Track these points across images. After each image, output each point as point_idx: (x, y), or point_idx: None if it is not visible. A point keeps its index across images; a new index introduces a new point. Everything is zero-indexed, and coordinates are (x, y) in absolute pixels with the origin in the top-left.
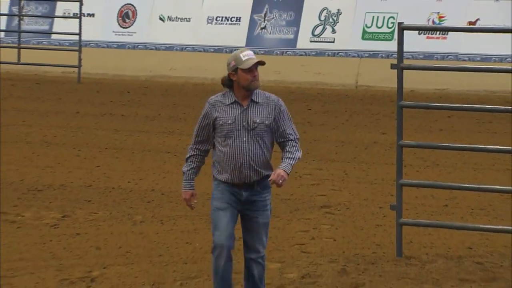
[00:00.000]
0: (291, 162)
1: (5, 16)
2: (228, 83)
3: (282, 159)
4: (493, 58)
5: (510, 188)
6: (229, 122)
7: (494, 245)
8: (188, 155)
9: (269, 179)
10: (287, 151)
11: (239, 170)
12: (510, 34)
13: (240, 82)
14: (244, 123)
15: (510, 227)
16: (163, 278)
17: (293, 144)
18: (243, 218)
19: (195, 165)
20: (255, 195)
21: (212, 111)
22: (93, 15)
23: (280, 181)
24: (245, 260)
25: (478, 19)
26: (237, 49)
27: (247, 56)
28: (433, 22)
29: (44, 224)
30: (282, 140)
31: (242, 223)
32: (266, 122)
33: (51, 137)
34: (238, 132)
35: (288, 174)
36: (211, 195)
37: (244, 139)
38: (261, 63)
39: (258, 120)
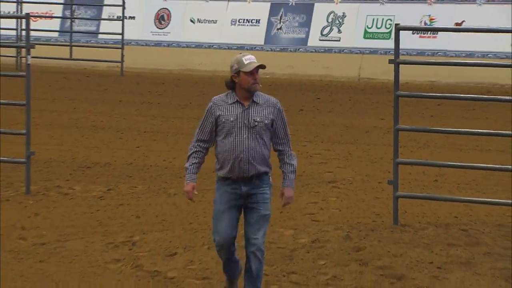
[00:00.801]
0: (293, 177)
1: (59, 19)
2: (230, 84)
3: (283, 172)
4: (476, 54)
5: (491, 165)
6: (231, 119)
7: (477, 214)
8: (190, 152)
9: (282, 202)
10: (286, 163)
11: (239, 164)
12: (492, 33)
13: (241, 84)
14: (245, 121)
15: (490, 199)
16: (193, 242)
17: (289, 150)
18: (245, 212)
19: (196, 161)
20: (254, 188)
21: (215, 109)
22: (133, 17)
23: (290, 201)
24: (246, 253)
25: (463, 21)
26: (255, 46)
27: (249, 60)
28: (425, 23)
29: (92, 196)
30: (277, 145)
31: (244, 216)
32: (266, 121)
33: (98, 122)
34: (239, 129)
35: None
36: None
37: (245, 136)
38: (262, 66)
39: (258, 119)
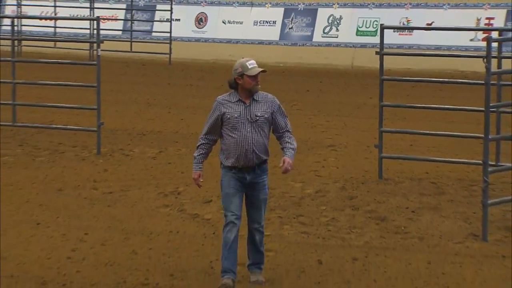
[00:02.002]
0: (293, 152)
1: (122, 21)
2: (234, 85)
3: (283, 149)
4: (443, 47)
5: (454, 133)
6: (236, 116)
7: (443, 171)
8: (199, 144)
9: (280, 165)
10: (287, 142)
11: (245, 155)
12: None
13: (245, 85)
14: (247, 117)
15: (453, 159)
16: None
17: (290, 136)
18: (247, 197)
19: (204, 151)
20: (256, 177)
21: (220, 107)
22: (179, 19)
23: (289, 168)
24: (249, 229)
25: (433, 22)
26: (272, 42)
27: (252, 64)
28: (403, 24)
29: (147, 157)
30: (279, 133)
31: (246, 201)
32: (265, 115)
33: (151, 100)
34: (243, 124)
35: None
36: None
37: (248, 129)
38: (264, 71)
39: (259, 114)
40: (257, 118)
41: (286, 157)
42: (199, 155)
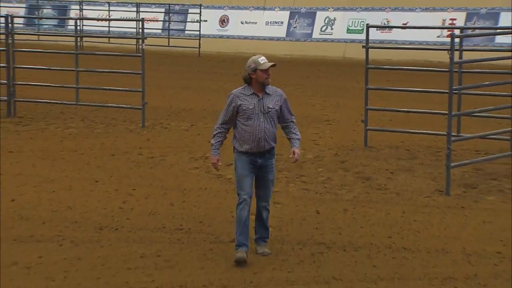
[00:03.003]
0: (299, 142)
1: (161, 22)
2: (248, 80)
3: (291, 139)
4: (416, 42)
5: (424, 110)
6: (251, 107)
7: (415, 140)
8: (215, 132)
9: (291, 157)
10: (293, 133)
11: (258, 142)
12: (425, 29)
13: (258, 79)
14: (261, 108)
15: (423, 131)
16: None
17: (294, 126)
18: (257, 178)
19: (220, 139)
20: (266, 161)
21: (236, 100)
22: (206, 20)
23: (298, 158)
24: (257, 207)
25: (408, 22)
26: (279, 38)
27: (263, 60)
28: (384, 23)
29: (181, 129)
30: (286, 123)
31: (256, 181)
32: (276, 107)
33: (184, 84)
34: (256, 115)
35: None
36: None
37: (261, 119)
38: (274, 65)
39: (271, 106)
40: (269, 109)
41: (295, 149)
42: (216, 142)
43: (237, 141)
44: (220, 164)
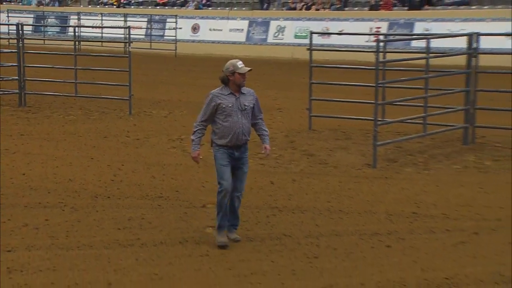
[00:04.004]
0: (268, 138)
1: (144, 28)
2: (226, 81)
3: (261, 136)
4: (349, 46)
5: (355, 100)
6: (230, 105)
7: (350, 124)
8: (196, 129)
9: (263, 152)
10: (263, 129)
11: (237, 136)
12: (356, 35)
13: (235, 81)
14: (238, 106)
15: (356, 117)
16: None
17: (263, 123)
18: (233, 170)
19: (200, 135)
20: (242, 153)
21: (216, 99)
22: (181, 28)
23: (269, 153)
24: (230, 196)
25: (343, 29)
26: (240, 42)
27: (242, 64)
28: (324, 30)
29: (161, 116)
30: (256, 120)
31: (233, 172)
32: (251, 105)
33: (163, 80)
34: (235, 112)
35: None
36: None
37: (239, 116)
38: (250, 70)
39: (247, 104)
40: (246, 107)
41: (267, 145)
42: (197, 138)
43: (216, 136)
44: (201, 157)
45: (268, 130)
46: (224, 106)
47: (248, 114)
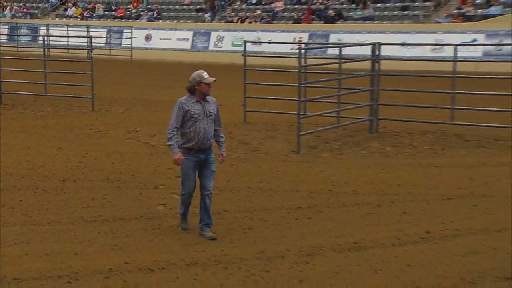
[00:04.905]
0: (224, 145)
1: (104, 37)
2: (192, 90)
3: (219, 143)
4: (277, 53)
5: (282, 98)
6: (197, 112)
7: (278, 117)
8: (171, 135)
9: (220, 159)
10: (221, 137)
11: (202, 140)
12: (283, 44)
13: (202, 91)
14: (204, 113)
15: (282, 111)
16: (160, 131)
17: (221, 130)
18: (201, 170)
19: (177, 139)
20: (207, 155)
21: (185, 106)
22: (136, 37)
23: (224, 159)
24: (201, 195)
25: (271, 39)
26: (186, 50)
27: (207, 75)
28: (256, 40)
29: (119, 112)
30: (216, 127)
31: (200, 173)
32: (215, 112)
33: (121, 81)
34: (201, 118)
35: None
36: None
37: (205, 122)
38: (215, 80)
39: (211, 111)
40: (211, 113)
41: (223, 152)
42: (175, 142)
43: (183, 140)
44: (183, 158)
45: (224, 138)
46: (192, 112)
47: (212, 120)
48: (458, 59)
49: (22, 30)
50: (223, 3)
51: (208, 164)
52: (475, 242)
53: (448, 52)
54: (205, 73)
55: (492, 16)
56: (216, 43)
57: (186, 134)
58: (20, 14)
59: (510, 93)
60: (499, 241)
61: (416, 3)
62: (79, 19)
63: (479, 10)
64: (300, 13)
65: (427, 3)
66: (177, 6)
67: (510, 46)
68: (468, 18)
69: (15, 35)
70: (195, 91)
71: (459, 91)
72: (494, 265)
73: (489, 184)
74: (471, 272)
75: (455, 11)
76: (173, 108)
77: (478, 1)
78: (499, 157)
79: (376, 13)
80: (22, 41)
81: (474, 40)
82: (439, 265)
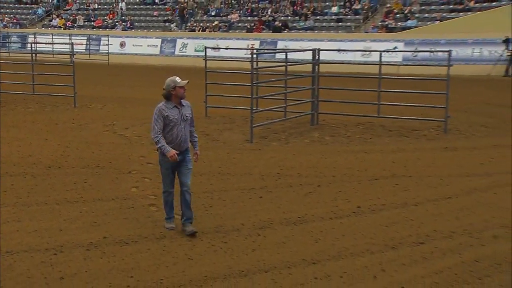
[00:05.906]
0: (197, 144)
1: (84, 44)
2: (168, 96)
3: (193, 142)
4: (234, 57)
5: (239, 95)
6: (175, 117)
7: (233, 112)
8: (158, 138)
9: (194, 158)
10: (194, 137)
11: (180, 143)
12: (238, 50)
13: (178, 94)
14: (181, 117)
15: (238, 107)
16: (136, 123)
17: (194, 131)
18: (179, 169)
19: (164, 141)
20: (185, 156)
21: (163, 112)
22: (112, 44)
23: (198, 158)
24: (181, 192)
25: (229, 45)
26: (155, 55)
27: (179, 79)
28: (216, 46)
29: (98, 108)
30: (190, 128)
31: (179, 172)
32: (190, 116)
33: (99, 81)
34: (179, 123)
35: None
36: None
37: (182, 126)
38: (188, 82)
39: (188, 115)
40: (187, 117)
41: (197, 151)
42: (164, 142)
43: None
44: (177, 152)
45: (198, 136)
46: (171, 118)
47: (188, 124)
48: (383, 63)
49: (12, 38)
50: (191, 11)
51: (185, 163)
52: (396, 215)
53: (375, 57)
54: (178, 77)
55: (409, 28)
56: (181, 49)
57: (165, 138)
58: (11, 24)
59: (423, 92)
60: (415, 213)
61: (349, 16)
62: (62, 28)
63: (399, 23)
64: (253, 24)
65: (357, 16)
66: (147, 18)
67: (424, 53)
68: (390, 29)
69: (7, 42)
70: (171, 96)
71: (384, 90)
72: (411, 232)
73: (408, 167)
74: (393, 239)
75: (380, 23)
76: (152, 115)
77: (398, 15)
78: (416, 144)
79: (316, 24)
80: (12, 48)
81: (395, 47)
82: (367, 234)
